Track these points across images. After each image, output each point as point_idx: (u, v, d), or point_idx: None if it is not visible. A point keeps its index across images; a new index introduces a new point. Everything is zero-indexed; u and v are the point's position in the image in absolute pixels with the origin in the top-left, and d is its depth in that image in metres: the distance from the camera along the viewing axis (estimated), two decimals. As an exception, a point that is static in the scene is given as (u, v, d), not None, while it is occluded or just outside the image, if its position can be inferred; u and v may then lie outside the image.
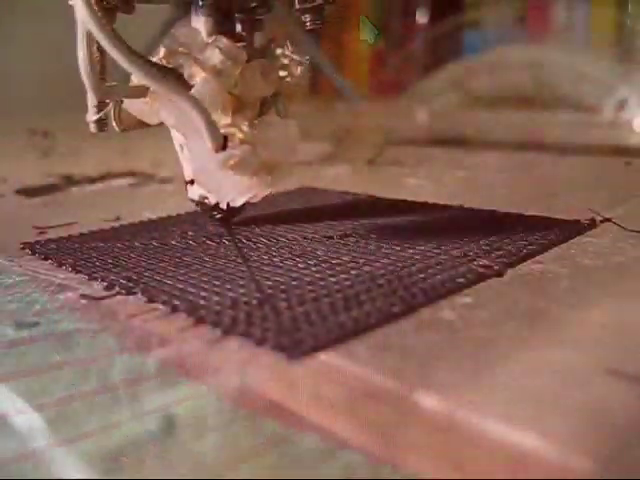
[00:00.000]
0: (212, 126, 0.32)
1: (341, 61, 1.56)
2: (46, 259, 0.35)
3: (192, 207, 0.45)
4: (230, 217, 0.39)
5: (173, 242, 0.36)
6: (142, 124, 0.37)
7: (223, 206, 0.36)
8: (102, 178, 0.58)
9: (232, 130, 0.34)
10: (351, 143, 0.67)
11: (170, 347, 0.23)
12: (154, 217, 0.43)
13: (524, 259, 0.31)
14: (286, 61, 0.37)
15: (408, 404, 0.19)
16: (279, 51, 0.37)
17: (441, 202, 0.43)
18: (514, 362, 0.22)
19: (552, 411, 0.19)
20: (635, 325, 0.24)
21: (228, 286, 0.28)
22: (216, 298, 0.27)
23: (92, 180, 0.58)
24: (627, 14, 1.15)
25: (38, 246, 0.37)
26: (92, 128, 0.35)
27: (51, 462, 0.17)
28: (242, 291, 0.28)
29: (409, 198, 0.44)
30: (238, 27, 0.38)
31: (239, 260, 0.32)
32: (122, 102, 0.35)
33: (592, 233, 0.35)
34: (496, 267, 0.29)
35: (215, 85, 0.33)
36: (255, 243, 0.35)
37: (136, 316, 0.27)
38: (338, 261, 0.31)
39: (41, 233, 0.41)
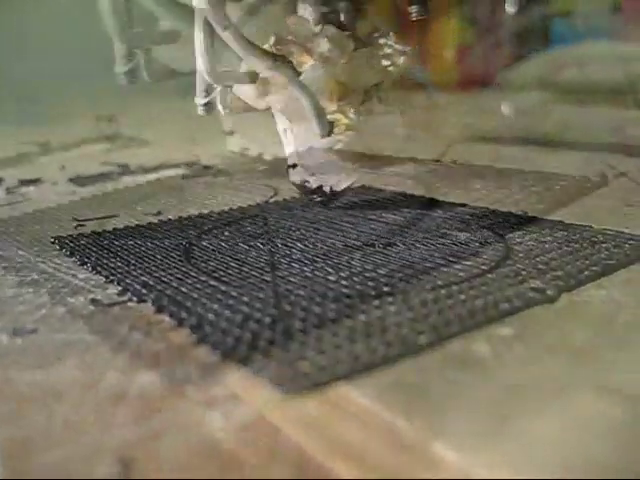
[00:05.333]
0: (320, 112, 0.34)
1: (427, 53, 1.51)
2: (71, 256, 0.33)
3: (237, 204, 0.43)
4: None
5: (204, 243, 0.34)
6: (246, 108, 0.39)
7: (326, 189, 0.39)
8: (156, 168, 0.57)
9: (338, 116, 0.36)
10: (421, 139, 0.63)
11: (161, 370, 0.21)
12: (196, 213, 0.41)
13: (584, 282, 0.27)
14: (389, 50, 0.39)
15: (419, 454, 0.16)
16: (382, 40, 0.39)
17: (503, 209, 0.39)
18: (546, 414, 0.18)
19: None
20: None
21: (245, 299, 0.26)
22: (227, 313, 0.24)
23: (146, 170, 0.57)
24: None
25: (67, 241, 0.35)
26: (200, 111, 0.37)
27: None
28: (258, 306, 0.25)
29: (473, 203, 0.40)
30: (342, 17, 0.39)
31: (267, 268, 0.29)
32: (231, 87, 0.37)
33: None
34: (549, 291, 0.25)
35: (323, 72, 0.36)
36: (290, 248, 0.32)
37: (139, 329, 0.24)
38: (373, 274, 0.28)
39: (79, 226, 0.40)
